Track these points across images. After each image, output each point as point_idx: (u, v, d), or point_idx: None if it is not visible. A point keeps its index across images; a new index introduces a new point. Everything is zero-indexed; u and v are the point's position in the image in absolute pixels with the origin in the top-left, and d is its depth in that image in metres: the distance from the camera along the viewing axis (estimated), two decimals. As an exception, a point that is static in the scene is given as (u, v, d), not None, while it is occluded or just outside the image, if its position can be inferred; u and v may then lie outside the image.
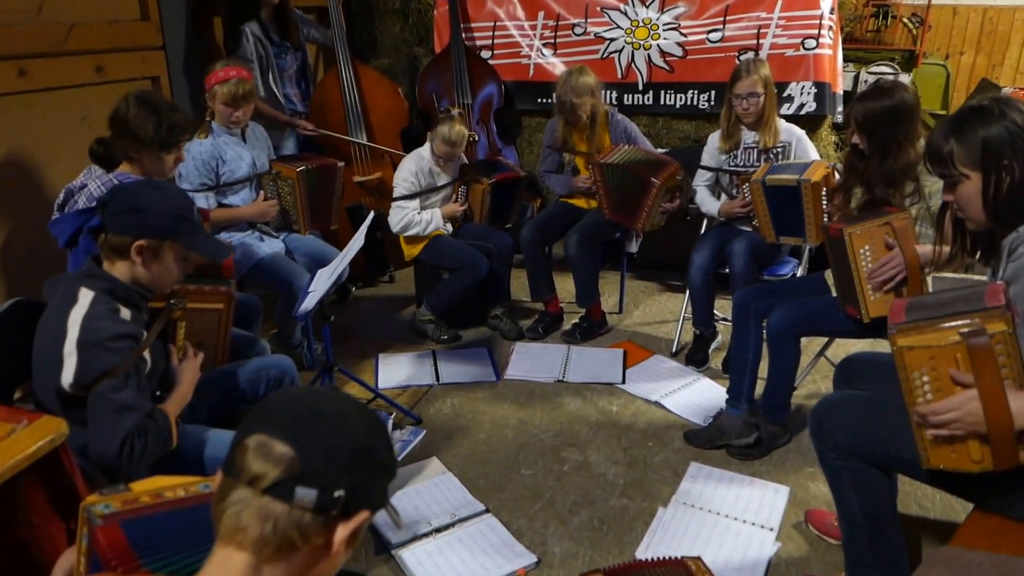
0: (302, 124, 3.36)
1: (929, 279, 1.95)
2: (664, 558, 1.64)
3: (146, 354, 1.53)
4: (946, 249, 1.62)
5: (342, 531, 0.75)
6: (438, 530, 1.99)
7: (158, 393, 1.60)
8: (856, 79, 4.20)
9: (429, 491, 2.16)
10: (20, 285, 2.44)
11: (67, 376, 1.42)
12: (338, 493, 0.73)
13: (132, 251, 1.49)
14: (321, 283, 2.30)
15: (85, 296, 1.46)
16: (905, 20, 5.46)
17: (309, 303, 2.22)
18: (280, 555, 0.73)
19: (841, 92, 3.68)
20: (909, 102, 2.00)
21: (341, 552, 0.76)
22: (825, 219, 2.38)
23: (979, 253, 1.54)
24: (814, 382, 2.78)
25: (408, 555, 1.91)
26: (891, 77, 4.15)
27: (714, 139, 2.89)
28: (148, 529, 0.98)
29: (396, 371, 2.89)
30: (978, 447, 1.29)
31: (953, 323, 1.26)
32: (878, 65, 4.80)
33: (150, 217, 1.49)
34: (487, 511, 2.07)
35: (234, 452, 0.75)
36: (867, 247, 1.95)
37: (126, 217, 1.49)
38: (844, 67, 3.73)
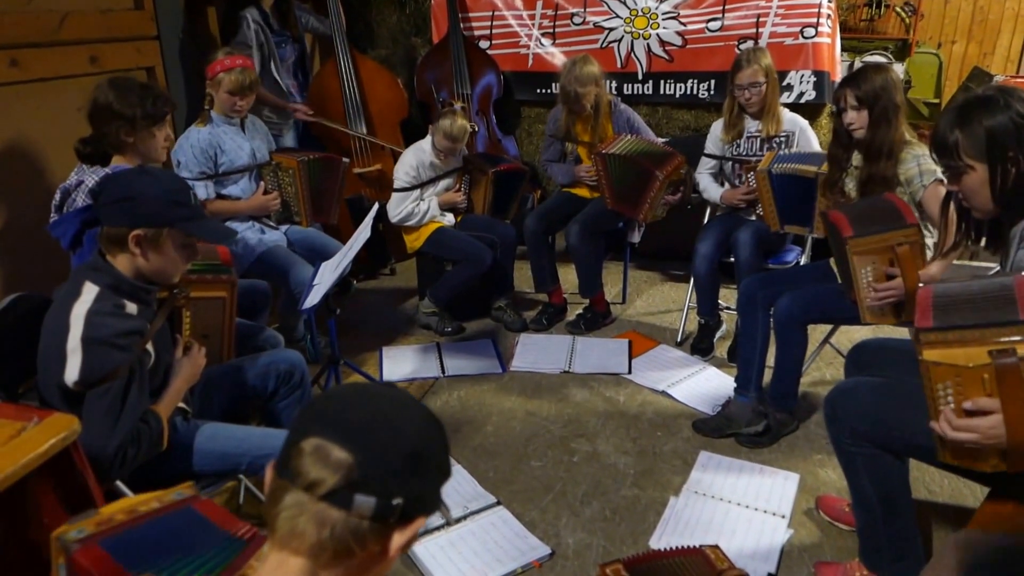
0: (300, 108, 3.30)
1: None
2: (683, 547, 1.64)
3: (150, 347, 1.50)
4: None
5: (399, 538, 0.74)
6: (450, 523, 1.98)
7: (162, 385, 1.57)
8: (851, 68, 4.21)
9: (439, 484, 2.15)
10: (16, 279, 2.39)
11: (71, 373, 1.38)
12: (396, 501, 0.71)
13: (130, 242, 1.43)
14: (326, 276, 2.27)
15: (89, 291, 1.42)
16: (898, 9, 5.48)
17: (315, 296, 2.19)
18: (337, 561, 0.72)
19: (839, 80, 3.68)
20: (897, 77, 2.12)
21: (396, 558, 0.75)
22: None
23: (985, 241, 1.54)
24: (819, 369, 2.79)
25: (421, 549, 1.90)
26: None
27: (717, 128, 2.89)
28: (130, 543, 0.96)
29: (401, 364, 2.87)
30: (996, 458, 1.29)
31: (983, 339, 1.22)
32: (872, 54, 4.81)
33: (143, 205, 1.43)
34: (498, 503, 2.06)
35: (289, 453, 0.72)
36: (869, 268, 1.94)
37: (118, 207, 1.43)
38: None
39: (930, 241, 2.10)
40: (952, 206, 1.53)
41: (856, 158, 2.22)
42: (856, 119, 2.11)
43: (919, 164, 2.07)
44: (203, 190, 2.52)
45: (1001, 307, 1.23)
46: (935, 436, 1.33)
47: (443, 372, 2.80)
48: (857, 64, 4.26)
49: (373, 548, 0.73)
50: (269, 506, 0.73)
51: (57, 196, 1.97)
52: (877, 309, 1.99)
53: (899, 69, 4.23)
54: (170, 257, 1.49)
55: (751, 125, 2.79)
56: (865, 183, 2.13)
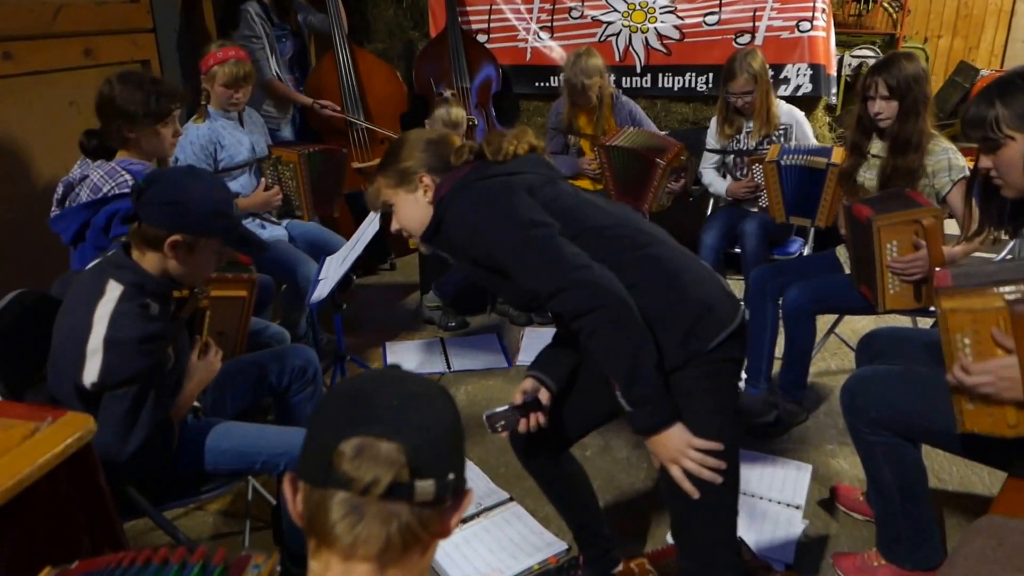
0: (322, 102, 3.26)
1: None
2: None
3: (169, 348, 1.46)
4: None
5: (455, 513, 0.73)
6: (463, 521, 1.96)
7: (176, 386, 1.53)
8: (840, 62, 4.23)
9: (451, 480, 2.12)
10: (6, 274, 2.33)
11: (91, 375, 1.34)
12: (451, 476, 0.70)
13: (165, 246, 1.40)
14: (332, 270, 2.24)
15: (113, 289, 1.37)
16: (885, 4, 5.53)
17: (321, 291, 2.15)
18: (404, 553, 0.70)
19: (835, 74, 3.71)
20: (926, 67, 2.13)
21: (451, 532, 0.74)
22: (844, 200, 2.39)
23: (1008, 225, 1.55)
24: (824, 360, 2.80)
25: (435, 546, 1.87)
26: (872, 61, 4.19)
27: (715, 124, 2.90)
28: None
29: (405, 359, 2.84)
30: (1014, 412, 1.30)
31: (998, 289, 1.27)
32: (860, 48, 4.85)
33: (188, 212, 1.39)
34: (511, 499, 2.04)
35: (325, 461, 0.68)
36: (895, 242, 1.95)
37: (163, 209, 1.39)
38: (828, 50, 3.76)
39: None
40: (976, 189, 1.53)
41: (875, 147, 2.22)
42: (885, 108, 2.09)
43: (949, 158, 2.07)
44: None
45: (1015, 272, 1.30)
46: (954, 402, 1.34)
47: (448, 367, 2.78)
48: (847, 59, 4.29)
49: (434, 529, 0.71)
50: (314, 520, 0.69)
51: (59, 190, 1.91)
52: (898, 291, 1.98)
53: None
54: (202, 264, 1.46)
55: (748, 121, 2.81)
56: (889, 175, 2.12)
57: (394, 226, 1.46)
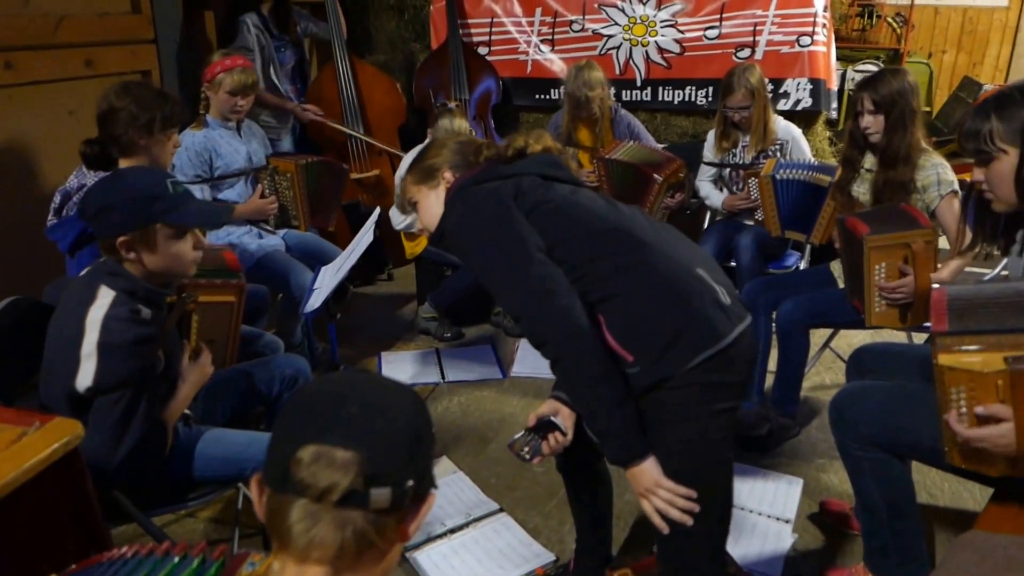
0: (311, 108, 3.29)
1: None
2: (691, 552, 1.62)
3: (160, 353, 1.48)
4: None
5: (414, 519, 0.74)
6: (452, 531, 1.96)
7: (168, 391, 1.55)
8: (843, 77, 4.25)
9: (441, 491, 2.13)
10: (6, 282, 2.36)
11: (84, 379, 1.36)
12: (409, 483, 0.71)
13: (120, 249, 1.41)
14: (326, 280, 2.26)
15: (105, 295, 1.39)
16: (889, 20, 5.54)
17: (315, 301, 2.17)
18: (358, 558, 0.71)
19: (835, 89, 3.73)
20: (914, 82, 2.12)
21: (410, 537, 0.74)
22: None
23: (1000, 240, 1.55)
24: (818, 374, 2.79)
25: (423, 557, 1.87)
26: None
27: (712, 137, 2.92)
28: None
29: (400, 370, 2.85)
30: (1004, 464, 1.29)
31: (999, 345, 1.22)
32: (864, 63, 4.86)
33: (119, 211, 1.39)
34: (501, 510, 2.05)
35: (284, 467, 0.69)
36: (883, 264, 1.95)
37: (98, 219, 1.41)
38: (831, 65, 3.77)
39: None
40: (970, 203, 1.53)
41: (868, 161, 2.24)
42: (872, 123, 2.11)
43: (938, 173, 2.08)
44: (199, 194, 2.49)
45: (1017, 313, 1.24)
46: (944, 438, 1.33)
47: (443, 378, 2.78)
48: (850, 74, 4.30)
49: (392, 535, 0.72)
50: (274, 523, 0.71)
51: (56, 199, 1.93)
52: (884, 310, 1.99)
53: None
54: (169, 252, 1.44)
55: (745, 135, 2.82)
56: (881, 188, 2.13)
57: (417, 226, 1.50)
